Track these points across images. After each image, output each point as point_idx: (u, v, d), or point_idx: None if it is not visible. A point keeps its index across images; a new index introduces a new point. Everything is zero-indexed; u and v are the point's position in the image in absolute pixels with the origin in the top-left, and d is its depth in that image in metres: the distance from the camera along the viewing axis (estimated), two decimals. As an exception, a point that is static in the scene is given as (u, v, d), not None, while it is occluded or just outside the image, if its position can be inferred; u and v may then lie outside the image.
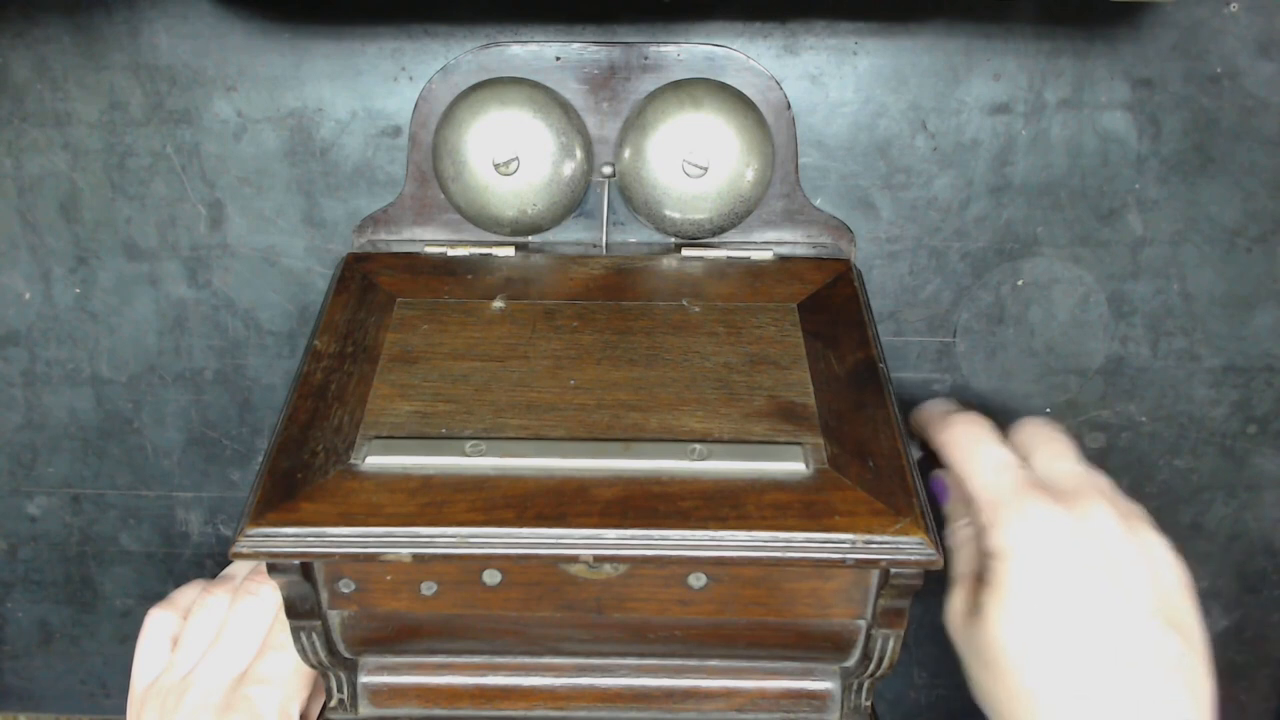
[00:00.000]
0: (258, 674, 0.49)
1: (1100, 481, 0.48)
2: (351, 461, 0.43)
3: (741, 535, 0.40)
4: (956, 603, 0.49)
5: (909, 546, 0.40)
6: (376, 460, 0.43)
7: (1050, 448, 0.49)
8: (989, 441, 0.49)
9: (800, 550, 0.40)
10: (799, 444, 0.44)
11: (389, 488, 0.41)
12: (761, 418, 0.45)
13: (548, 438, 0.44)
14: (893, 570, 0.41)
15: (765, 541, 0.40)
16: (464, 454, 0.43)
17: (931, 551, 0.40)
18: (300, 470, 0.42)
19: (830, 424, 0.45)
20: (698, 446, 0.43)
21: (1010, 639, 0.45)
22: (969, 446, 0.49)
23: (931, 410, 0.53)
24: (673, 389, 0.47)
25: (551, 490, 0.41)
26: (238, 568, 0.54)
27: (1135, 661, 0.43)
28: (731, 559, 0.40)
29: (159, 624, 0.53)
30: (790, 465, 0.43)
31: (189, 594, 0.54)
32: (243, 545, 0.40)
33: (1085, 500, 0.46)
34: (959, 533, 0.50)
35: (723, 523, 0.40)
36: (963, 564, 0.49)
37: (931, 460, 0.52)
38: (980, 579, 0.47)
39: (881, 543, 0.40)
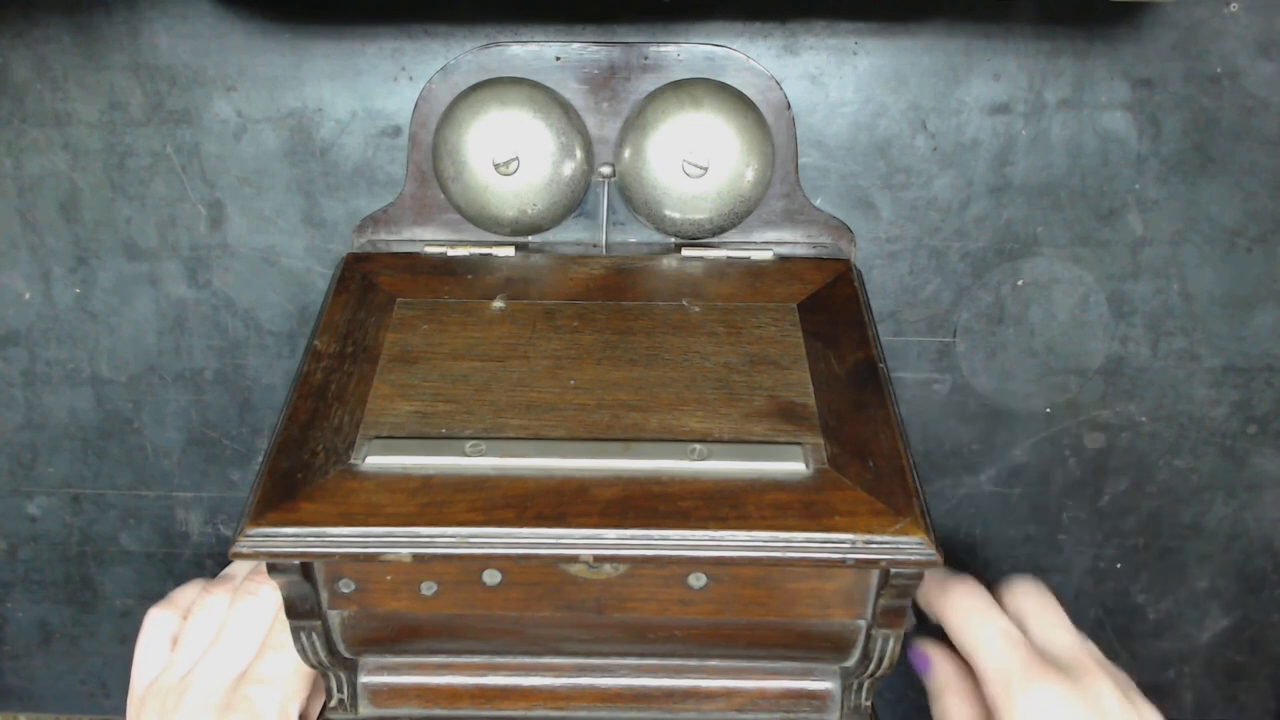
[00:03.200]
0: (258, 674, 0.49)
1: (1096, 652, 0.50)
2: (351, 461, 0.43)
3: (741, 535, 0.40)
4: None
5: (909, 546, 0.40)
6: (376, 460, 0.43)
7: (1045, 616, 0.50)
8: (992, 613, 0.49)
9: (800, 550, 0.40)
10: (799, 444, 0.44)
11: (389, 488, 0.41)
12: (761, 418, 0.45)
13: (548, 438, 0.44)
14: (893, 570, 0.41)
15: (765, 541, 0.40)
16: (464, 454, 0.43)
17: (931, 551, 0.40)
18: (300, 470, 0.42)
19: (830, 424, 0.45)
20: (698, 446, 0.43)
21: None
22: (972, 619, 0.49)
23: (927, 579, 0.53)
24: (673, 389, 0.47)
25: (551, 490, 0.41)
26: (238, 568, 0.54)
27: None
28: (731, 559, 0.40)
29: (159, 624, 0.53)
30: (790, 465, 0.43)
31: (189, 594, 0.54)
32: (243, 545, 0.40)
33: (1089, 677, 0.47)
34: (952, 708, 0.51)
35: (723, 523, 0.40)
36: None
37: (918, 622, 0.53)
38: None
39: (881, 543, 0.40)
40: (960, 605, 0.50)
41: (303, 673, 0.49)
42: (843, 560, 0.40)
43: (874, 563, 0.40)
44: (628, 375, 0.48)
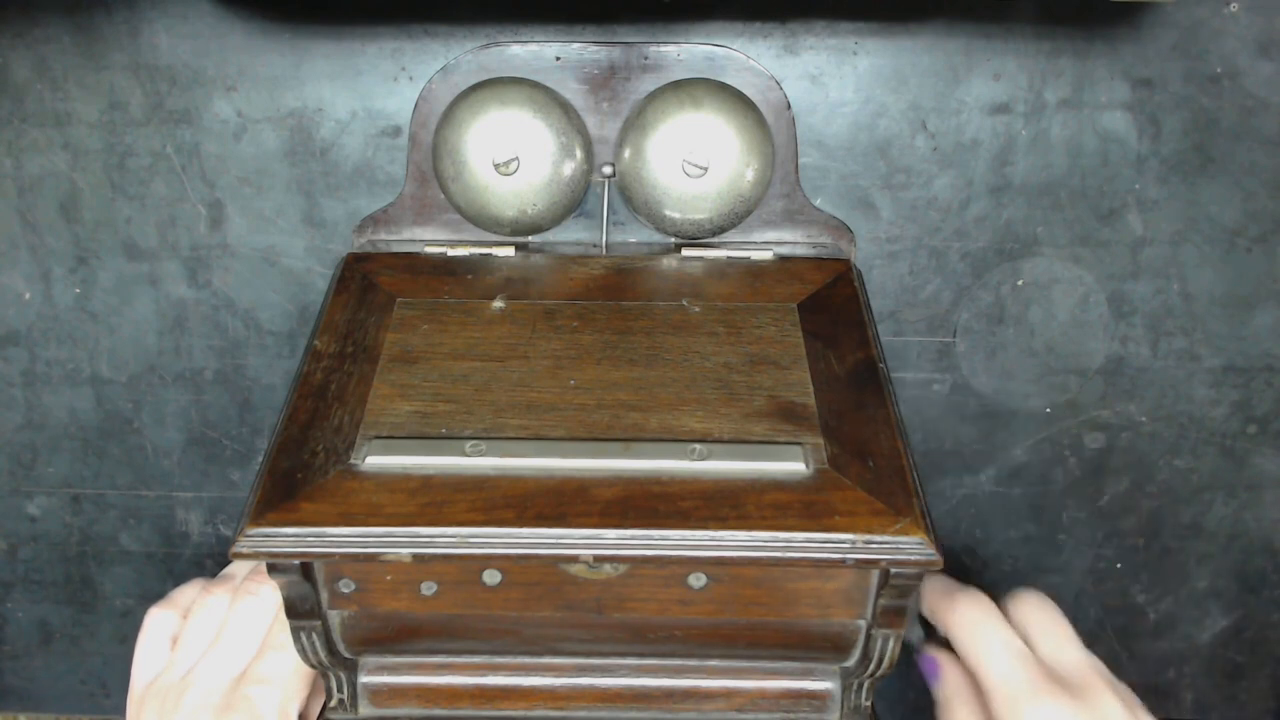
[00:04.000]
0: (257, 674, 0.49)
1: (1102, 669, 0.49)
2: (351, 461, 0.43)
3: (741, 535, 0.40)
4: None
5: (909, 546, 0.40)
6: (376, 460, 0.43)
7: (1053, 632, 0.50)
8: (998, 627, 0.49)
9: (800, 550, 0.40)
10: (799, 444, 0.44)
11: (389, 488, 0.41)
12: (761, 418, 0.45)
13: (548, 438, 0.44)
14: (893, 570, 0.41)
15: (765, 541, 0.40)
16: (464, 454, 0.43)
17: (931, 551, 0.40)
18: (300, 470, 0.42)
19: (830, 424, 0.45)
20: (698, 446, 0.43)
21: None
22: (979, 632, 0.49)
23: (933, 588, 0.53)
24: (673, 389, 0.47)
25: (551, 490, 0.41)
26: (237, 567, 0.54)
27: None
28: (731, 559, 0.40)
29: (159, 623, 0.53)
30: (790, 465, 0.43)
31: (189, 593, 0.54)
32: (243, 545, 0.40)
33: (1095, 694, 0.47)
34: (959, 717, 0.50)
35: (723, 523, 0.40)
36: None
37: (927, 632, 0.53)
38: None
39: (881, 543, 0.40)
40: (967, 617, 0.50)
41: (302, 673, 0.49)
42: (843, 560, 0.40)
43: (874, 563, 0.40)
44: (628, 375, 0.48)
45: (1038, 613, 0.51)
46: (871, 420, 0.45)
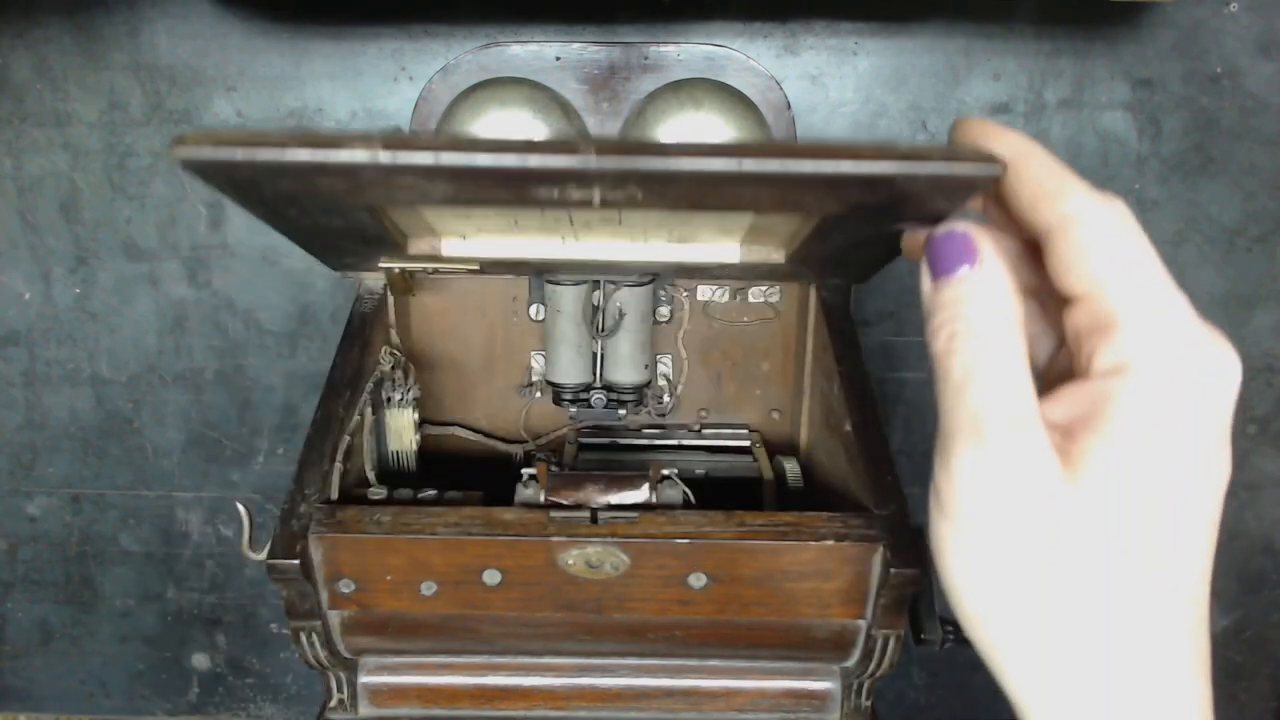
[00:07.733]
0: None
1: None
2: None
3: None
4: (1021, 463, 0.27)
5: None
6: None
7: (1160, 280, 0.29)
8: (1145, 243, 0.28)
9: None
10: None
11: None
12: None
13: None
14: (892, 570, 0.41)
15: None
16: None
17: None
18: None
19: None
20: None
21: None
22: (1120, 241, 0.28)
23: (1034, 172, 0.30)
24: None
25: None
26: None
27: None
28: (731, 556, 0.40)
29: None
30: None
31: None
32: (184, 151, 0.28)
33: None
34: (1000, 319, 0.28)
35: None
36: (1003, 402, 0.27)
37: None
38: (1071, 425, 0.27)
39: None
40: (1102, 222, 0.28)
41: None
42: (840, 541, 0.40)
43: (874, 539, 0.40)
44: None
45: (1130, 247, 0.29)
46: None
